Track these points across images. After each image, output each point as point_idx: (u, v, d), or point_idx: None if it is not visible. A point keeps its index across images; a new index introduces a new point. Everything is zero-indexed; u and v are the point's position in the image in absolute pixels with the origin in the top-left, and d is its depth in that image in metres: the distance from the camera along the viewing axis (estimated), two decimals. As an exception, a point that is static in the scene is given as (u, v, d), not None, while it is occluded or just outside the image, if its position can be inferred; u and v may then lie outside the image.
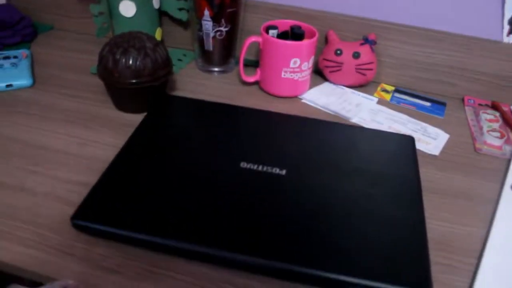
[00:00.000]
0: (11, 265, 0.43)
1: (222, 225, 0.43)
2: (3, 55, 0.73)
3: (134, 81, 0.60)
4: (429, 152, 0.61)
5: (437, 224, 0.50)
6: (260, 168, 0.50)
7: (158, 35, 0.76)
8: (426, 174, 0.58)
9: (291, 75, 0.67)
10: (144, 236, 0.43)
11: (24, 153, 0.56)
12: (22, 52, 0.75)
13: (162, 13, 0.78)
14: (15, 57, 0.73)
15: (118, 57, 0.59)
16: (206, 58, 0.74)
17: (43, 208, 0.49)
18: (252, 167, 0.50)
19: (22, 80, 0.68)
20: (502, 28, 0.70)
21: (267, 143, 0.54)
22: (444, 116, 0.70)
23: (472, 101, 0.74)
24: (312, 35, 0.68)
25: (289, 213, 0.45)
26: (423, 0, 0.70)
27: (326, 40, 0.74)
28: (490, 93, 0.74)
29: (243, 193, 0.47)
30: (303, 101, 0.70)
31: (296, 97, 0.70)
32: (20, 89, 0.69)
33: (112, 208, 0.44)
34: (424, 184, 0.56)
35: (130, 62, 0.59)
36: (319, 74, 0.77)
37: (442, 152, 0.62)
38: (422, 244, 0.43)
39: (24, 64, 0.72)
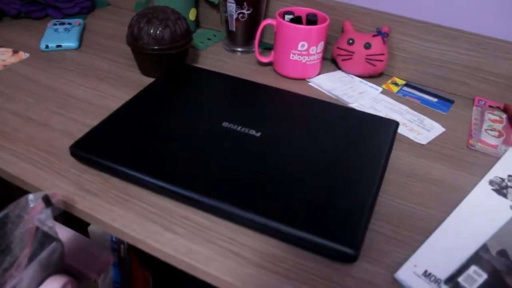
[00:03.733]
0: (16, 177, 0.52)
1: (188, 168, 0.50)
2: (60, 22, 0.85)
3: (154, 47, 0.68)
4: (417, 141, 0.63)
5: (398, 202, 0.53)
6: (238, 128, 0.56)
7: (192, 15, 0.84)
8: (404, 159, 0.60)
9: (299, 58, 0.71)
10: (124, 169, 0.50)
11: (55, 98, 0.66)
12: (76, 21, 0.86)
13: (198, -4, 0.86)
14: (69, 23, 0.85)
15: (142, 25, 0.68)
16: (231, 39, 0.81)
17: (56, 141, 0.58)
18: (232, 127, 0.56)
19: (70, 43, 0.80)
20: (518, 30, 0.69)
21: (253, 110, 0.60)
22: (447, 112, 0.71)
23: (483, 102, 0.74)
24: (325, 22, 0.72)
25: (252, 167, 0.50)
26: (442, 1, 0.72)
27: (342, 30, 0.78)
28: (503, 96, 0.73)
29: (217, 147, 0.53)
30: (310, 84, 0.74)
31: (304, 79, 0.75)
32: (68, 50, 0.80)
33: (101, 144, 0.53)
34: (398, 167, 0.58)
35: (152, 30, 0.67)
36: (334, 62, 0.80)
37: (431, 142, 0.63)
38: (363, 210, 0.46)
39: (75, 30, 0.83)
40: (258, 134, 0.55)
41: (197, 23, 0.89)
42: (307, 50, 0.71)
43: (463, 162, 0.61)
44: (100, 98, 0.67)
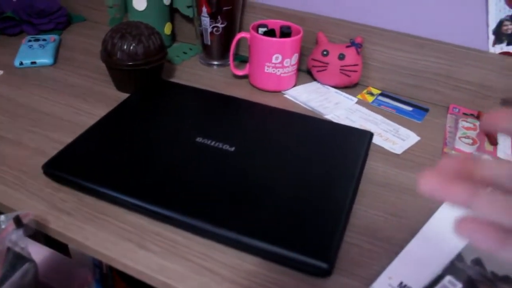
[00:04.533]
0: (-13, 198, 0.51)
1: (162, 185, 0.49)
2: (34, 38, 0.85)
3: (127, 63, 0.68)
4: (392, 151, 0.64)
5: (372, 213, 0.53)
6: (212, 143, 0.56)
7: (167, 29, 0.85)
8: (378, 170, 0.60)
9: (274, 70, 0.72)
10: (97, 187, 0.50)
11: (29, 116, 0.66)
12: (51, 37, 0.86)
13: (173, 10, 0.86)
14: (44, 40, 0.84)
15: (115, 41, 0.67)
16: (206, 52, 0.81)
17: (30, 159, 0.57)
18: (206, 142, 0.56)
19: (45, 59, 0.79)
20: (488, 38, 0.70)
21: (228, 124, 0.60)
22: (422, 120, 0.72)
23: (457, 109, 0.75)
24: (299, 34, 0.72)
25: (225, 183, 0.50)
26: (411, 8, 0.73)
27: (316, 41, 0.78)
28: (476, 103, 0.74)
29: (191, 163, 0.53)
30: (285, 96, 0.74)
31: (280, 92, 0.75)
32: (43, 66, 0.79)
33: (74, 162, 0.52)
34: (373, 177, 0.59)
35: (125, 46, 0.67)
36: (309, 73, 0.81)
37: (406, 152, 0.64)
38: (337, 223, 0.47)
39: (50, 47, 0.82)
40: (232, 149, 0.55)
41: (173, 37, 0.90)
42: (281, 62, 0.71)
43: (437, 170, 0.61)
44: (75, 115, 0.67)
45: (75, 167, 0.52)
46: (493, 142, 0.68)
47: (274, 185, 0.50)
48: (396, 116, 0.72)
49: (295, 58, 0.73)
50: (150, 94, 0.66)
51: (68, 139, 0.61)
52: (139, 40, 0.68)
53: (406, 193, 0.57)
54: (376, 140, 0.65)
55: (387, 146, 0.64)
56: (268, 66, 0.72)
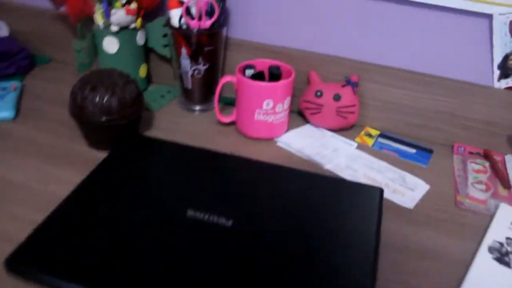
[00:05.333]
0: None
1: (151, 279, 0.41)
2: (-8, 87, 0.75)
3: (101, 118, 0.60)
4: (403, 205, 0.58)
5: (394, 286, 0.47)
6: (205, 218, 0.48)
7: (142, 71, 0.77)
8: (393, 229, 0.54)
9: (265, 117, 0.65)
10: (72, 285, 0.41)
11: (-14, 188, 0.57)
12: (12, 84, 0.77)
13: (149, 50, 0.78)
14: (4, 89, 0.75)
15: (86, 93, 0.59)
16: (187, 96, 0.74)
17: (-11, 246, 0.48)
18: (198, 216, 0.48)
19: (4, 113, 0.70)
20: (492, 73, 0.66)
21: (221, 190, 0.53)
22: (428, 164, 0.66)
23: (462, 148, 0.70)
24: (290, 75, 0.66)
25: (224, 269, 0.43)
26: (410, 43, 0.68)
27: (308, 81, 0.72)
28: (482, 141, 0.69)
29: (185, 247, 0.45)
30: (278, 144, 0.68)
31: (272, 139, 0.68)
32: (2, 121, 0.70)
33: (43, 254, 0.44)
34: (388, 240, 0.52)
35: (97, 99, 0.59)
36: (301, 115, 0.75)
37: (418, 205, 0.58)
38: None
39: (11, 97, 0.73)
40: (230, 223, 0.48)
41: (148, 79, 0.82)
42: (273, 108, 0.64)
43: (454, 225, 0.55)
44: (42, 183, 0.58)
45: (44, 260, 0.43)
46: (506, 185, 0.63)
47: (282, 264, 0.43)
48: (400, 161, 0.66)
49: (287, 102, 0.66)
50: (128, 156, 0.58)
51: (37, 215, 0.52)
52: (113, 92, 0.60)
53: (427, 257, 0.51)
54: (384, 192, 0.59)
55: (397, 199, 0.58)
56: (259, 113, 0.65)
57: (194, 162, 0.57)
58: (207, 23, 0.67)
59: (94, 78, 0.61)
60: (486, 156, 0.68)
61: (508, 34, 0.62)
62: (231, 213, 0.49)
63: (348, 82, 0.69)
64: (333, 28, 0.70)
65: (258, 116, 0.65)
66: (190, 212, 0.49)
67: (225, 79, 0.66)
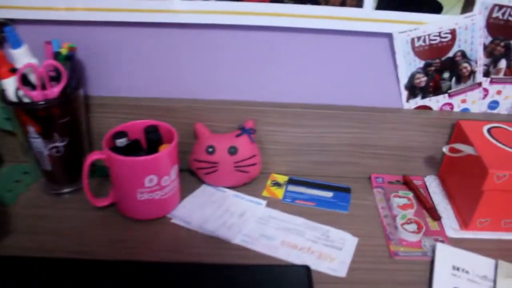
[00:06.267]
0: None
1: None
2: None
3: None
4: (334, 274, 0.48)
5: None
6: None
7: (-17, 155, 0.59)
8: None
9: (150, 195, 0.52)
10: None
11: None
12: None
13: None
14: None
15: None
16: (50, 179, 0.58)
17: None
18: None
19: None
20: (400, 94, 0.59)
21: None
22: (349, 209, 0.58)
23: (380, 179, 0.63)
24: (172, 137, 0.53)
25: None
26: (306, 74, 0.59)
27: (195, 135, 0.60)
28: (399, 166, 0.63)
29: None
30: (172, 221, 0.55)
31: (164, 216, 0.55)
32: None
33: None
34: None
35: None
36: (193, 173, 0.62)
37: (351, 269, 0.49)
38: None
39: None
40: None
41: (-3, 160, 0.64)
42: (159, 183, 0.51)
43: (394, 285, 0.47)
44: None
45: None
46: (435, 216, 0.56)
47: None
48: (318, 212, 0.57)
49: (174, 171, 0.53)
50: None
51: None
52: None
53: None
54: (309, 262, 0.49)
55: (326, 268, 0.48)
56: (142, 193, 0.51)
57: (57, 277, 0.43)
58: (54, 90, 0.52)
59: None
60: (406, 183, 0.62)
61: (411, 52, 0.55)
62: None
63: (243, 130, 0.58)
64: (215, 69, 0.59)
65: (142, 196, 0.52)
66: None
67: (92, 157, 0.51)
